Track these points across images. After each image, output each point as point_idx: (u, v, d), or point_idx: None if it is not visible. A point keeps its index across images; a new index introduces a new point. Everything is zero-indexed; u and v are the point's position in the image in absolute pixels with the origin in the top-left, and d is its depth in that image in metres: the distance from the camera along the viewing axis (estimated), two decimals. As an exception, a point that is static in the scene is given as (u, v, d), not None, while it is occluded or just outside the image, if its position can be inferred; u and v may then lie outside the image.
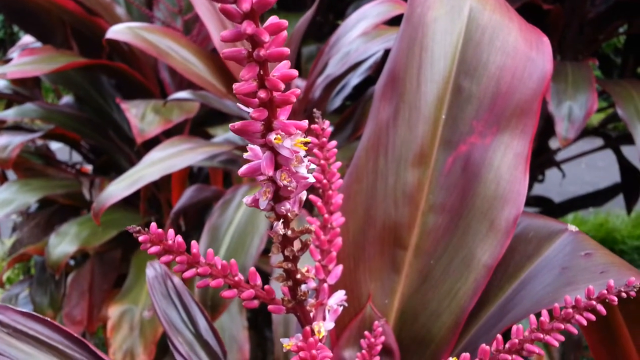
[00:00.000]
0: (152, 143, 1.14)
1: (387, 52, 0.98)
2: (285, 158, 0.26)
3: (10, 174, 1.67)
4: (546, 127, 1.42)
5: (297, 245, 0.33)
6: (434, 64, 0.49)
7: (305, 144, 0.26)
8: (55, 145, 1.89)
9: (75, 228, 1.40)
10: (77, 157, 1.91)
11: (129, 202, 1.56)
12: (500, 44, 0.47)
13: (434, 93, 0.49)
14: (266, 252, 1.16)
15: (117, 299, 1.32)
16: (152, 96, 1.45)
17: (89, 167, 1.91)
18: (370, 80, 1.14)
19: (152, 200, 1.54)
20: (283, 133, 0.25)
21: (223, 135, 1.10)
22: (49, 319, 0.52)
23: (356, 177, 0.49)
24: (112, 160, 1.67)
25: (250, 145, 0.29)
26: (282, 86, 0.24)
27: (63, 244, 1.36)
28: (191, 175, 1.49)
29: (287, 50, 0.23)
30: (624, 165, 1.65)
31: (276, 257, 0.51)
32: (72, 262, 1.69)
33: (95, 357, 0.52)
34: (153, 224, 0.34)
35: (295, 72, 0.24)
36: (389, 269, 0.50)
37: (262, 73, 0.24)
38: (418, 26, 0.49)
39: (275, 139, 0.25)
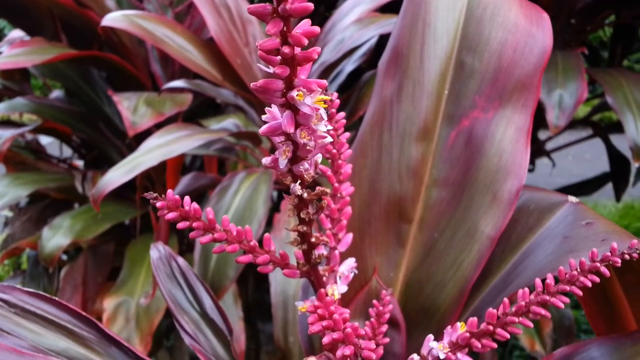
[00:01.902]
0: (143, 137, 1.14)
1: (381, 39, 0.99)
2: (305, 115, 0.27)
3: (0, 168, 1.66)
4: (535, 117, 1.44)
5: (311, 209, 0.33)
6: (437, 40, 0.49)
7: (325, 101, 0.27)
8: (45, 140, 1.88)
9: (68, 221, 1.39)
10: (67, 152, 1.90)
11: (122, 196, 1.55)
12: (501, 20, 0.48)
13: (437, 69, 0.49)
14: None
15: (112, 291, 1.32)
16: (144, 89, 1.45)
17: (79, 163, 1.90)
18: (362, 69, 1.15)
19: (145, 192, 1.54)
20: (305, 90, 0.26)
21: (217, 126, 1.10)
22: (56, 298, 0.52)
23: (361, 153, 0.50)
24: (104, 154, 1.66)
25: (268, 108, 0.29)
26: (305, 42, 0.25)
27: (56, 236, 1.35)
28: (183, 168, 1.49)
29: (310, 5, 0.24)
30: (613, 153, 1.67)
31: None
32: (64, 257, 1.69)
33: (104, 334, 0.52)
34: (169, 191, 0.35)
35: (317, 28, 0.25)
36: (394, 243, 0.50)
37: (285, 29, 0.25)
38: (420, 3, 0.50)
39: (297, 96, 0.26)
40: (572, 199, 0.49)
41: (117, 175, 0.82)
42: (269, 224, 0.96)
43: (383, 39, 1.19)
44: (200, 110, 1.59)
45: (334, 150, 0.40)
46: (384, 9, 1.00)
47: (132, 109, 1.25)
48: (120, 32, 1.44)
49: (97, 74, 1.59)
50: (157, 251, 0.61)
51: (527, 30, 0.48)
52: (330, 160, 0.40)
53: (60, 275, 1.51)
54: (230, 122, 1.04)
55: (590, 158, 3.52)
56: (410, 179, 0.50)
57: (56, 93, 1.75)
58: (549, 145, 1.72)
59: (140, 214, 1.42)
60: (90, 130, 1.58)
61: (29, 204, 1.66)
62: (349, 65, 1.01)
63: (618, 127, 1.69)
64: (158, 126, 1.35)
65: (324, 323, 0.29)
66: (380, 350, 0.40)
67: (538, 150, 1.70)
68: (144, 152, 0.86)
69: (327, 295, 0.35)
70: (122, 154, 1.55)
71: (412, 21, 0.50)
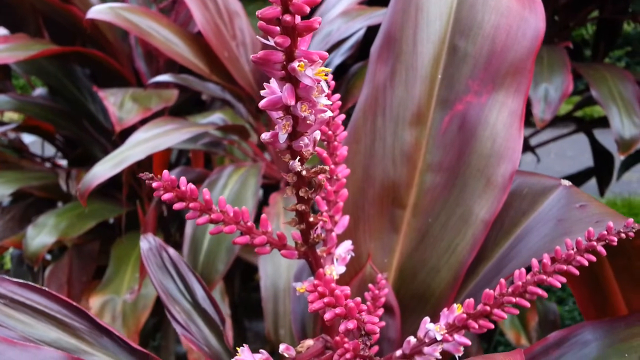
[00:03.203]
0: (128, 134, 1.12)
1: (369, 31, 0.99)
2: (306, 87, 0.27)
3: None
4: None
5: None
6: (430, 24, 0.49)
7: (326, 73, 0.27)
8: (27, 140, 1.85)
9: (53, 219, 1.37)
10: (49, 152, 1.88)
11: (107, 194, 1.54)
12: (494, 4, 0.48)
13: (430, 53, 0.49)
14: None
15: (98, 290, 1.31)
16: (128, 85, 1.43)
17: (62, 162, 1.88)
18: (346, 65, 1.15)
19: (130, 191, 1.52)
20: (306, 60, 0.26)
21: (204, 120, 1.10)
22: (46, 289, 0.51)
23: (354, 138, 0.50)
24: (88, 152, 1.64)
25: (266, 83, 0.29)
26: (307, 9, 0.24)
27: (41, 235, 1.34)
28: (169, 164, 1.48)
29: (313, -29, 0.23)
30: (597, 148, 1.69)
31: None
32: (49, 257, 1.67)
33: (95, 325, 0.51)
34: (165, 172, 0.34)
35: (318, -2, 0.25)
36: (387, 229, 0.50)
37: (286, -3, 0.24)
38: (413, -13, 0.50)
39: (298, 67, 0.26)
40: (565, 182, 0.49)
41: (104, 169, 0.81)
42: (257, 220, 0.96)
43: (370, 32, 1.19)
44: (186, 107, 1.58)
45: (330, 132, 0.39)
46: (370, 1, 1.00)
47: (118, 104, 1.23)
48: (104, 28, 1.42)
49: (80, 71, 1.58)
50: (148, 242, 0.61)
51: (520, 14, 0.48)
52: (325, 142, 0.40)
53: (44, 274, 1.49)
54: (217, 117, 1.04)
55: (572, 155, 3.56)
56: (404, 164, 0.50)
57: (39, 91, 1.72)
58: (532, 141, 1.74)
59: (126, 212, 1.41)
60: (74, 127, 1.56)
61: (12, 202, 1.64)
62: (337, 58, 1.01)
63: (600, 123, 1.72)
64: (143, 123, 1.34)
65: (326, 300, 0.29)
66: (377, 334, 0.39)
67: (524, 145, 1.71)
68: (130, 145, 0.85)
69: (325, 275, 0.35)
70: (106, 151, 1.53)
71: (405, 5, 0.50)
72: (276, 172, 1.00)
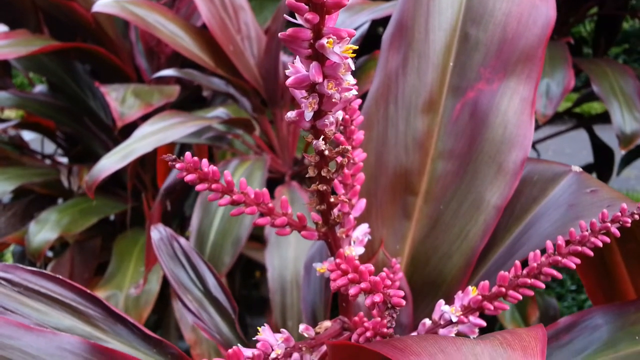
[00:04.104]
0: (129, 131, 1.13)
1: (372, 25, 0.99)
2: (333, 65, 0.27)
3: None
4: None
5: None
6: (442, 12, 0.50)
7: (353, 51, 0.27)
8: (27, 137, 1.85)
9: (55, 215, 1.37)
10: (49, 149, 1.88)
11: (108, 190, 1.54)
12: (505, -9, 0.49)
13: (442, 41, 0.50)
14: (254, 238, 1.16)
15: (100, 285, 1.31)
16: (130, 81, 1.43)
17: (62, 160, 1.88)
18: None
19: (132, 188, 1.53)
20: (334, 37, 0.26)
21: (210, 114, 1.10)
22: (60, 277, 0.52)
23: (367, 125, 0.50)
24: (88, 149, 1.64)
25: (291, 63, 0.29)
26: (337, -13, 0.25)
27: (43, 231, 1.34)
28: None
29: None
30: (597, 144, 1.70)
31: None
32: (50, 254, 1.67)
33: (109, 312, 0.52)
34: (187, 154, 0.35)
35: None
36: (400, 215, 0.51)
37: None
38: (424, -24, 0.50)
39: (327, 43, 0.26)
40: (576, 168, 0.49)
41: (111, 162, 0.81)
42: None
43: (374, 26, 1.20)
44: (187, 104, 1.58)
45: (347, 116, 0.40)
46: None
47: (120, 100, 1.23)
48: (105, 25, 1.42)
49: (81, 67, 1.57)
50: (158, 232, 0.61)
51: (531, 2, 0.48)
52: (342, 127, 0.40)
53: (46, 270, 1.49)
54: (221, 111, 1.04)
55: (570, 152, 3.57)
56: (416, 151, 0.50)
57: (39, 87, 1.72)
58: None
59: (127, 209, 1.41)
60: (74, 124, 1.56)
61: (13, 199, 1.63)
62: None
63: (600, 119, 1.72)
64: (144, 119, 1.34)
65: (350, 276, 0.29)
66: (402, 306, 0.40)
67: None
68: (137, 139, 0.85)
69: (345, 255, 0.35)
70: (107, 148, 1.53)
71: (417, -6, 0.50)
72: (281, 166, 1.01)
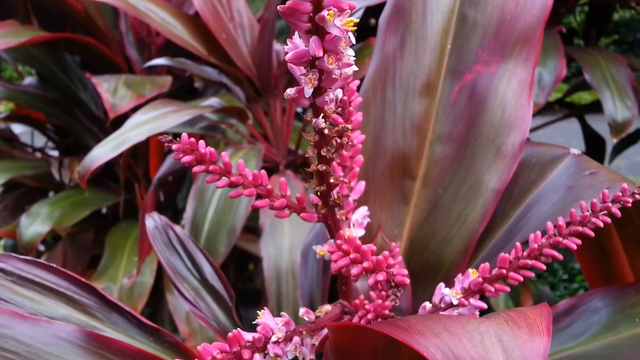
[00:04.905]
0: (121, 122, 1.11)
1: (364, 15, 0.98)
2: (334, 39, 0.26)
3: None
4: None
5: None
6: (439, -6, 0.49)
7: (354, 24, 0.26)
8: (17, 130, 1.83)
9: (46, 208, 1.36)
10: (39, 143, 1.86)
11: (100, 183, 1.53)
12: (502, -28, 0.48)
13: (440, 23, 0.49)
14: (247, 230, 1.15)
15: (93, 278, 1.30)
16: (121, 72, 1.42)
17: (53, 153, 1.86)
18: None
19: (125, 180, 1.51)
20: (335, 9, 0.25)
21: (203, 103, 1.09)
22: (54, 265, 0.51)
23: (364, 109, 0.50)
24: (79, 142, 1.63)
25: (289, 39, 0.29)
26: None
27: (35, 224, 1.32)
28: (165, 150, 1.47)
29: None
30: (589, 133, 1.70)
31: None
32: (42, 248, 1.65)
33: (105, 301, 0.51)
34: (184, 134, 0.34)
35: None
36: (398, 200, 0.50)
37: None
38: (421, -43, 0.50)
39: (328, 15, 0.25)
40: (574, 150, 0.49)
41: (104, 151, 0.80)
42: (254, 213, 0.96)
43: (365, 16, 1.19)
44: (179, 95, 1.56)
45: (345, 97, 0.39)
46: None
47: (111, 90, 1.22)
48: (95, 15, 1.41)
49: (70, 59, 1.56)
50: (153, 220, 0.60)
51: (528, -17, 0.48)
52: (340, 108, 0.40)
53: (39, 262, 1.47)
54: (214, 101, 1.03)
55: (562, 142, 3.58)
56: (414, 135, 0.50)
57: (29, 80, 1.71)
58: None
59: (119, 201, 1.40)
60: (65, 116, 1.55)
61: (3, 193, 1.62)
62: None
63: (591, 108, 1.73)
64: (136, 111, 1.33)
65: (352, 256, 0.29)
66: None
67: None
68: (129, 128, 0.84)
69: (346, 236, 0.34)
70: (98, 140, 1.51)
71: (414, -25, 0.50)
72: (275, 155, 1.00)
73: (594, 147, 1.73)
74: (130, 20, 1.43)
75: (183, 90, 1.58)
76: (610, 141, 1.66)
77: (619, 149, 1.74)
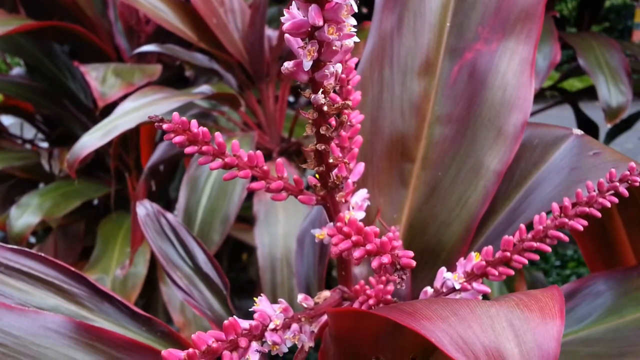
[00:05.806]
0: (109, 113, 1.09)
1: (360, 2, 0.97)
2: (334, 7, 0.25)
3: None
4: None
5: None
6: (438, -30, 0.48)
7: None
8: (6, 122, 1.81)
9: (37, 199, 1.34)
10: (29, 134, 1.83)
11: (91, 173, 1.51)
12: (503, -53, 0.47)
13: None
14: (241, 219, 1.14)
15: (86, 269, 1.28)
16: (110, 61, 1.40)
17: (42, 145, 1.83)
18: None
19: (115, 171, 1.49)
20: (336, -25, 0.24)
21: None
22: (42, 254, 0.49)
23: (361, 89, 0.48)
24: (69, 132, 1.61)
25: (285, 9, 0.27)
26: None
27: (25, 215, 1.30)
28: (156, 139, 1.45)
29: None
30: (582, 118, 1.69)
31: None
32: (33, 240, 1.63)
33: (95, 290, 0.50)
34: (175, 114, 0.32)
35: None
36: (397, 183, 0.49)
37: None
38: None
39: (328, -19, 0.24)
40: (577, 131, 0.48)
41: (93, 138, 0.78)
42: (250, 194, 0.94)
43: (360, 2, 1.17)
44: (169, 84, 1.53)
45: (343, 75, 0.38)
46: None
47: (100, 79, 1.20)
48: (83, 3, 1.38)
49: (59, 48, 1.53)
50: (144, 208, 0.59)
51: (529, -43, 0.46)
52: (338, 87, 0.38)
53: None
54: (205, 88, 1.01)
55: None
56: (413, 116, 0.48)
57: (17, 70, 1.68)
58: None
59: (110, 192, 1.38)
60: (54, 106, 1.52)
61: (-7, 184, 1.59)
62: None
63: (583, 95, 1.72)
64: (124, 99, 1.31)
65: (354, 238, 0.27)
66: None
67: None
68: (119, 115, 0.82)
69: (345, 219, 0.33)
70: (87, 129, 1.49)
71: (411, -49, 0.48)
72: (268, 142, 0.98)
73: (588, 133, 1.72)
74: (119, 9, 1.41)
75: (173, 79, 1.56)
76: (604, 128, 1.66)
77: (612, 134, 1.74)
